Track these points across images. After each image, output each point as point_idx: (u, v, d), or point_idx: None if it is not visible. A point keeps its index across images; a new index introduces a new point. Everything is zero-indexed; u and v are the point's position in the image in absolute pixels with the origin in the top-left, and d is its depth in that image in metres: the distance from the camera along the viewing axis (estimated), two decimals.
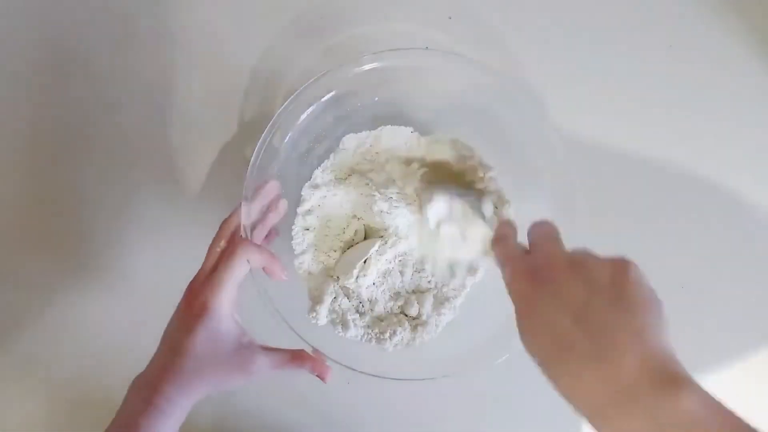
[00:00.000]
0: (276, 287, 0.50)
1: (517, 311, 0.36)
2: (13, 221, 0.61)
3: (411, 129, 0.57)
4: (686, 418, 0.29)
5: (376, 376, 0.49)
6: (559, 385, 0.33)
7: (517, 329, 0.35)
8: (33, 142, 0.62)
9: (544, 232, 0.38)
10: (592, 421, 0.32)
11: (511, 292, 0.36)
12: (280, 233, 0.54)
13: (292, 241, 0.55)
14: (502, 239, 0.41)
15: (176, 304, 0.47)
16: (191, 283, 0.47)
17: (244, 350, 0.47)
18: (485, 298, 0.56)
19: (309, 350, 0.49)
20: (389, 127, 0.57)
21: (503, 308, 0.50)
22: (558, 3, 0.62)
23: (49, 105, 0.62)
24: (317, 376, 0.48)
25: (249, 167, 0.50)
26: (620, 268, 0.34)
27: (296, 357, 0.48)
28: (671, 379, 0.31)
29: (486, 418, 0.60)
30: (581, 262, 0.34)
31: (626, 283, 0.33)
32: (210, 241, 0.49)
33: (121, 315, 0.61)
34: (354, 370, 0.49)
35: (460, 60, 0.53)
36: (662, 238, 0.60)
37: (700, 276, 0.60)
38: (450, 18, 0.62)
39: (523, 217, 0.54)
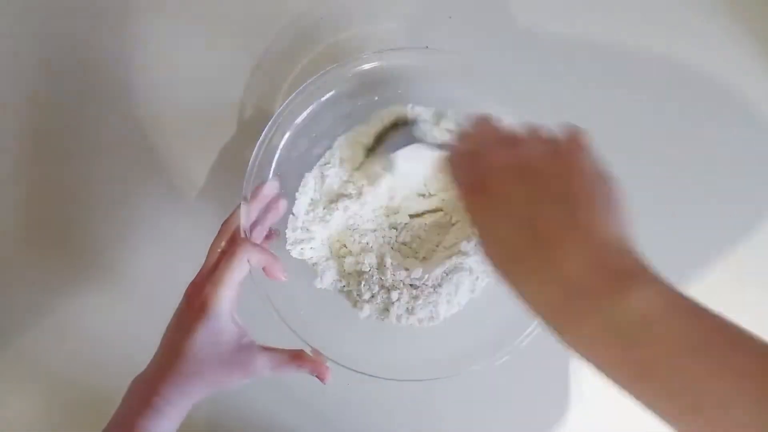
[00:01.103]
0: (276, 287, 0.50)
1: (471, 224, 0.34)
2: (13, 222, 0.61)
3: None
4: (639, 318, 0.27)
5: (376, 376, 0.49)
6: (517, 294, 0.32)
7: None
8: (32, 143, 0.62)
9: (484, 132, 0.37)
10: (551, 329, 0.30)
11: (463, 207, 0.35)
12: (279, 233, 0.54)
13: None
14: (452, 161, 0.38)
15: (176, 305, 0.47)
16: (191, 283, 0.47)
17: (244, 350, 0.47)
18: (485, 298, 0.56)
19: (309, 351, 0.49)
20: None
21: (503, 309, 0.50)
22: (558, 3, 0.62)
23: (48, 105, 0.62)
24: (317, 376, 0.48)
25: (249, 167, 0.50)
26: (565, 156, 0.32)
27: (296, 357, 0.48)
28: (621, 274, 0.28)
29: (486, 418, 0.60)
30: (525, 162, 0.32)
31: (572, 175, 0.32)
32: (210, 242, 0.49)
33: (121, 315, 0.60)
34: (354, 370, 0.49)
35: (461, 60, 0.53)
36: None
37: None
38: (450, 18, 0.62)
39: None
